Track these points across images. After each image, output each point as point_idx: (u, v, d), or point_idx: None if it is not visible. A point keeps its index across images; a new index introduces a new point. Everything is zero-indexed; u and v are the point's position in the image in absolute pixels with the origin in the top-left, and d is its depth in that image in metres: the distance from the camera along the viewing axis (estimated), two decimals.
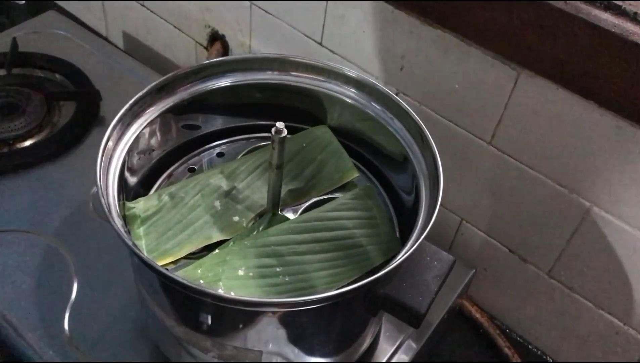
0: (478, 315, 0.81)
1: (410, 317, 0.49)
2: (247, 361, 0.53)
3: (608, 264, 0.67)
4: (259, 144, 0.69)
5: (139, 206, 0.59)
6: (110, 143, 0.55)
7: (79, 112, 0.85)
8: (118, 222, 0.48)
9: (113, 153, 0.55)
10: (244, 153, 0.68)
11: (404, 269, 0.51)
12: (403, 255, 0.48)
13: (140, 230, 0.59)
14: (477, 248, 0.79)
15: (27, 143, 0.81)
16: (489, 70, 0.65)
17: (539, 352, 0.81)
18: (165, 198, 0.61)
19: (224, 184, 0.62)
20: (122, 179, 0.56)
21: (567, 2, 0.57)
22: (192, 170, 0.67)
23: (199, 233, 0.59)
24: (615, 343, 0.72)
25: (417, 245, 0.49)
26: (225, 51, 0.96)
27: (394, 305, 0.49)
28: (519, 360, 0.77)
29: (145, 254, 0.50)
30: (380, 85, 0.62)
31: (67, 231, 0.72)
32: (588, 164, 0.63)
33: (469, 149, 0.72)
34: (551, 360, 0.80)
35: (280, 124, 0.50)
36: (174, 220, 0.60)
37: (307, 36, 0.81)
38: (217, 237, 0.59)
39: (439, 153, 0.56)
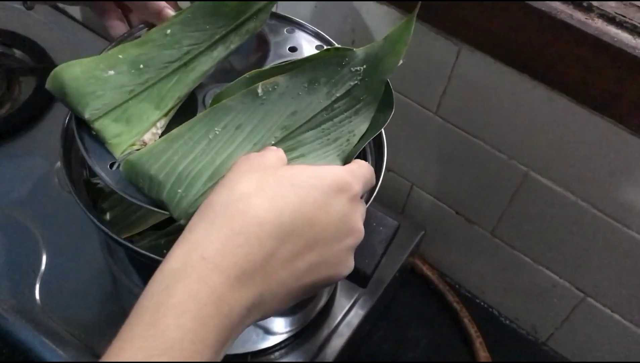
0: (429, 273, 0.87)
1: (358, 278, 0.53)
2: None
3: (544, 223, 0.73)
4: None
5: None
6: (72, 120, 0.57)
7: (39, 87, 0.86)
8: (82, 199, 0.51)
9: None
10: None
11: None
12: None
13: (106, 204, 0.61)
14: (427, 211, 0.84)
15: None
16: (433, 44, 0.69)
17: (486, 305, 0.87)
18: None
19: None
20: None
21: None
22: None
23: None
24: (553, 295, 0.78)
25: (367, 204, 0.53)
26: None
27: None
28: (466, 314, 0.83)
29: (109, 228, 0.53)
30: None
31: (34, 205, 0.75)
32: (523, 132, 0.68)
33: (416, 119, 0.76)
34: (497, 313, 0.87)
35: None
36: None
37: None
38: None
39: (388, 123, 0.59)
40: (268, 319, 0.62)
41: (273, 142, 0.48)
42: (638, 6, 0.59)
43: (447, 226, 0.83)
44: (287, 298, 0.40)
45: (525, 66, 0.63)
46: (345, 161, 0.49)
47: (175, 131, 0.48)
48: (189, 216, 0.43)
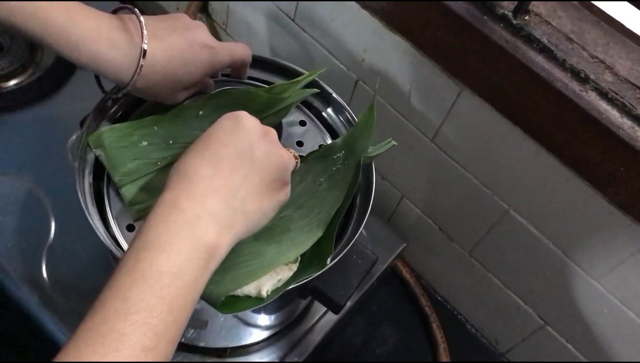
0: (407, 276, 0.93)
1: (332, 307, 0.59)
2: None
3: (517, 255, 0.78)
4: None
5: None
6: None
7: None
8: (92, 211, 0.57)
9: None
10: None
11: (333, 265, 0.60)
12: (335, 259, 0.57)
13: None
14: (412, 221, 0.89)
15: (11, 82, 0.86)
16: (436, 80, 0.72)
17: (456, 312, 0.94)
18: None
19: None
20: None
21: (509, 40, 0.63)
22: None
23: None
24: (516, 316, 0.84)
25: (347, 249, 0.58)
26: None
27: (320, 295, 0.59)
28: (436, 319, 0.90)
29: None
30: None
31: (47, 176, 0.79)
32: (509, 175, 0.72)
33: (414, 141, 0.80)
34: (464, 320, 0.93)
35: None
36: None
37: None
38: None
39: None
40: (251, 316, 0.68)
41: None
42: (633, 83, 0.62)
43: (429, 239, 0.89)
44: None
45: (518, 120, 0.67)
46: (326, 229, 0.58)
47: None
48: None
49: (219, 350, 0.70)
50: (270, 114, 0.65)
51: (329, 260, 0.56)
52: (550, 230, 0.72)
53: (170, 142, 0.62)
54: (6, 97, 0.84)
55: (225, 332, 0.68)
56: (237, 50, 0.64)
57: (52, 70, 0.88)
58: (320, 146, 0.66)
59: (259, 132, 0.50)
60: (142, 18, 0.56)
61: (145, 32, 0.55)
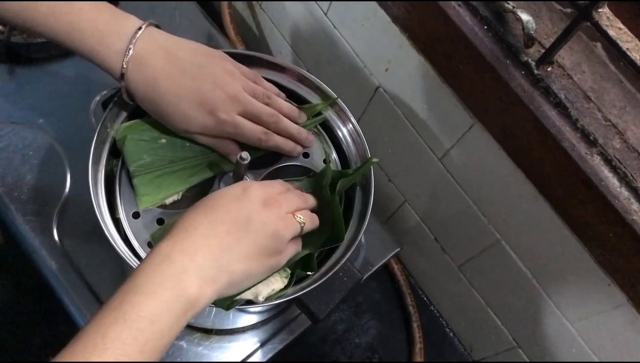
0: (398, 273, 0.97)
1: (312, 318, 0.63)
2: None
3: (501, 280, 0.81)
4: None
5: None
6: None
7: None
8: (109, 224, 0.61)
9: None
10: None
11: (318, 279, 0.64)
12: (324, 276, 0.61)
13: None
14: (411, 226, 0.92)
15: None
16: (452, 108, 0.73)
17: (438, 314, 0.98)
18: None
19: None
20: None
21: (527, 89, 0.64)
22: None
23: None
24: (492, 333, 0.88)
25: (337, 267, 0.62)
26: None
27: (303, 306, 0.63)
28: (417, 320, 0.94)
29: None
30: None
31: (69, 133, 0.82)
32: (506, 210, 0.74)
33: (422, 155, 0.82)
34: (445, 323, 0.97)
35: (245, 154, 0.60)
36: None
37: None
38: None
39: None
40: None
41: None
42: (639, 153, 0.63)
43: (424, 245, 0.92)
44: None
45: (522, 165, 0.68)
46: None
47: None
48: None
49: (206, 330, 0.75)
50: None
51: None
52: (536, 267, 0.75)
53: (187, 144, 0.65)
54: (38, 48, 0.86)
55: (214, 313, 0.73)
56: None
57: None
58: (324, 160, 0.69)
59: (262, 202, 0.54)
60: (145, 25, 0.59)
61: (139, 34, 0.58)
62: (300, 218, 0.57)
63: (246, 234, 0.51)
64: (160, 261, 0.47)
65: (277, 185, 0.60)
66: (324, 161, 0.69)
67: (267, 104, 0.64)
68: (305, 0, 0.87)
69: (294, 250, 0.58)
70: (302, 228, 0.57)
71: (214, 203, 0.52)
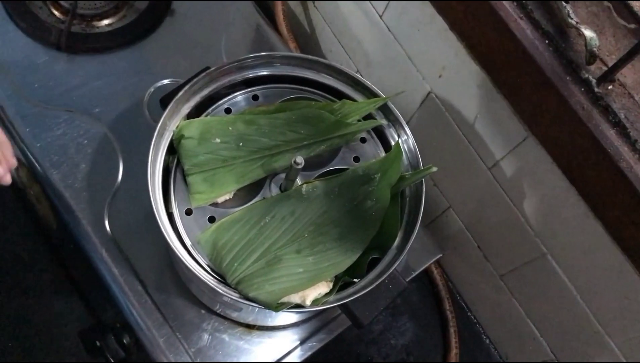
0: (438, 277, 0.97)
1: (356, 323, 0.64)
2: None
3: (545, 295, 0.81)
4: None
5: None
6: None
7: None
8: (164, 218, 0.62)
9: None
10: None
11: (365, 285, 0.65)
12: (372, 284, 0.62)
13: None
14: (454, 232, 0.92)
15: (104, 22, 0.90)
16: (506, 119, 0.72)
17: (475, 320, 0.98)
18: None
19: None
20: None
21: (586, 107, 0.63)
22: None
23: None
24: (529, 344, 0.88)
25: (385, 276, 0.62)
26: None
27: (348, 311, 0.64)
28: (454, 324, 0.94)
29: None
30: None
31: (123, 125, 0.84)
32: (554, 225, 0.73)
33: (471, 163, 0.81)
34: (481, 330, 0.97)
35: (299, 159, 0.60)
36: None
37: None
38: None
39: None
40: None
41: (306, 235, 0.62)
42: None
43: (465, 252, 0.92)
44: None
45: (575, 181, 0.67)
46: (364, 249, 0.64)
47: (237, 214, 0.62)
48: (241, 285, 0.58)
49: (248, 325, 0.76)
50: (335, 136, 0.67)
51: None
52: (581, 284, 0.74)
53: (240, 144, 0.66)
54: (96, 39, 0.88)
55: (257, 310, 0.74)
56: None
57: (143, 16, 0.91)
58: (394, 144, 0.70)
59: None
60: None
61: None
62: None
63: None
64: None
65: None
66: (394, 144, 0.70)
67: None
68: (361, 0, 0.87)
69: None
70: None
71: None
